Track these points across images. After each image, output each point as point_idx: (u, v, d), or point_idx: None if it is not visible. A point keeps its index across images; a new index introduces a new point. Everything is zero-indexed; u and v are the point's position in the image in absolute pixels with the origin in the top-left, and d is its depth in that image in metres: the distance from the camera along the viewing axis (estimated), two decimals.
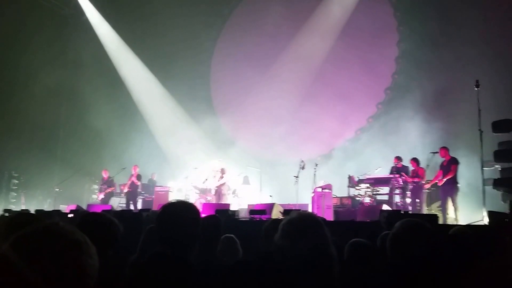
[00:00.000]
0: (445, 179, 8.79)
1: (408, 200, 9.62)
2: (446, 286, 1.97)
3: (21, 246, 1.00)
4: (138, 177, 12.55)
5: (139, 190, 12.79)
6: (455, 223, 7.95)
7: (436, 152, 9.17)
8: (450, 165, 8.89)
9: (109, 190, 12.65)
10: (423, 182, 9.45)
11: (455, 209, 8.61)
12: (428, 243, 2.02)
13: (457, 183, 8.81)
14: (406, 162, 10.06)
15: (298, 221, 1.98)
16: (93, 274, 1.06)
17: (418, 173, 9.59)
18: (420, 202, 9.42)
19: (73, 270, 1.02)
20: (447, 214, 8.76)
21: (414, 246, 2.00)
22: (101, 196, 12.74)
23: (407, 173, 9.76)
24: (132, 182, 12.43)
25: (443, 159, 9.12)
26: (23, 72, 13.66)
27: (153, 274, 1.92)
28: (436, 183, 9.27)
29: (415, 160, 9.78)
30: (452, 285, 2.04)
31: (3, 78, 13.54)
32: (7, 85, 13.64)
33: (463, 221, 8.10)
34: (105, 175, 12.92)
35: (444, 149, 9.15)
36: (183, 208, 2.09)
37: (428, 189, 9.76)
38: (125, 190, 12.55)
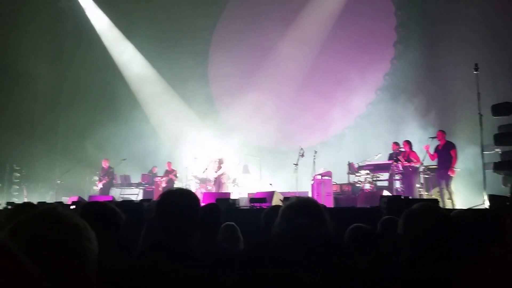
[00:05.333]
0: (453, 167, 8.76)
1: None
2: (447, 268, 1.98)
3: (19, 232, 1.01)
4: (175, 174, 12.77)
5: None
6: (452, 207, 7.98)
7: (435, 137, 9.16)
8: (448, 150, 8.88)
9: (104, 180, 12.54)
10: (417, 166, 9.44)
11: (450, 193, 8.62)
12: (442, 225, 2.05)
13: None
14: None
15: (297, 205, 1.99)
16: (92, 258, 1.07)
17: (409, 156, 9.57)
18: (411, 187, 9.33)
19: (72, 254, 1.02)
20: (448, 198, 8.78)
21: (428, 225, 2.03)
22: (100, 185, 12.63)
23: (403, 157, 9.76)
24: (170, 179, 12.63)
25: (438, 143, 9.11)
26: (22, 65, 13.58)
27: (153, 261, 1.93)
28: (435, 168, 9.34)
29: (407, 143, 9.76)
30: (453, 268, 2.05)
31: (1, 72, 13.48)
32: (6, 79, 13.59)
33: (464, 205, 8.12)
34: (104, 165, 12.83)
35: (441, 132, 9.14)
36: (182, 195, 2.10)
37: (426, 173, 9.77)
38: (163, 185, 12.55)
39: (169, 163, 13.02)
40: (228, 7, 15.46)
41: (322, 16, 13.38)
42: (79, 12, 14.96)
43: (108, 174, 12.66)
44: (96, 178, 13.50)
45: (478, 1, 10.67)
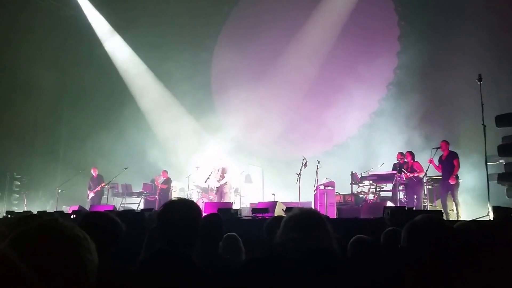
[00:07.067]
0: (454, 176, 8.74)
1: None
2: (450, 280, 1.96)
3: (20, 243, 1.01)
4: (166, 181, 12.68)
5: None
6: (457, 218, 7.92)
7: (439, 148, 9.14)
8: (451, 160, 8.86)
9: (98, 188, 12.37)
10: (421, 176, 9.40)
11: (456, 204, 8.57)
12: (445, 237, 2.04)
13: (457, 177, 8.77)
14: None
15: (300, 217, 1.97)
16: (92, 270, 1.06)
17: (413, 167, 9.54)
18: (418, 198, 9.32)
19: (72, 265, 1.02)
20: (451, 210, 8.71)
21: (432, 237, 2.01)
22: (91, 194, 12.42)
23: (407, 169, 9.72)
24: (161, 188, 12.64)
25: (442, 153, 9.10)
26: (24, 73, 13.67)
27: (154, 272, 1.91)
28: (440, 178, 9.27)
29: (410, 154, 9.75)
30: (456, 280, 2.02)
31: (3, 79, 13.56)
32: (8, 87, 13.65)
33: (468, 216, 8.05)
34: (94, 173, 12.70)
35: (445, 142, 9.13)
36: (184, 206, 2.09)
37: (429, 184, 9.73)
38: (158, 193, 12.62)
39: (164, 172, 12.96)
40: (231, 16, 15.57)
41: (326, 26, 13.46)
42: (81, 20, 15.08)
43: (99, 183, 12.49)
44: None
45: (482, 11, 10.69)
